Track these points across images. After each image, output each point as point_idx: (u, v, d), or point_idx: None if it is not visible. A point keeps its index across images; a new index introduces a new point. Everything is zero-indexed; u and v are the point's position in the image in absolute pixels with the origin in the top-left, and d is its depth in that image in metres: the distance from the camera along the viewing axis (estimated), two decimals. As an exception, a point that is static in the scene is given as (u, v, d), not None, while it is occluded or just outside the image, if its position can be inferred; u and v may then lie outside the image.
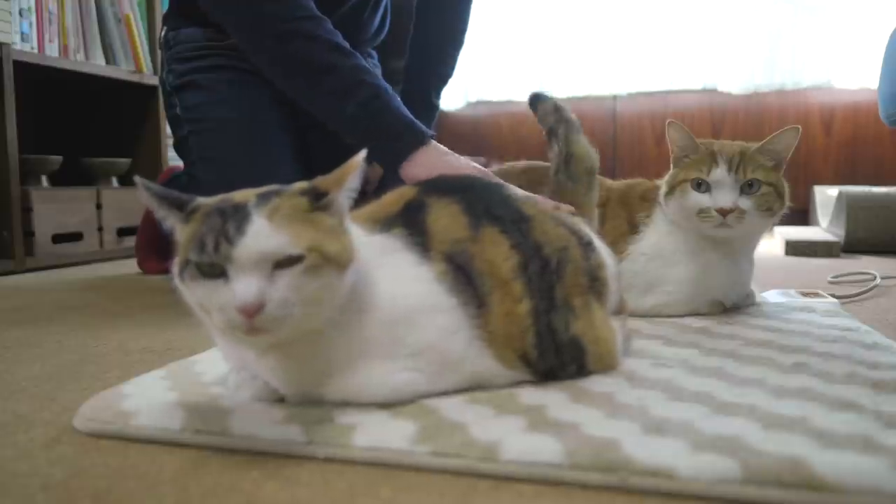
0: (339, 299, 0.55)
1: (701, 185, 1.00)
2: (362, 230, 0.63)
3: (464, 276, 0.62)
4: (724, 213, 0.97)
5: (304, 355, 0.57)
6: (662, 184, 1.06)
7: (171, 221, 0.56)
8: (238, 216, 0.52)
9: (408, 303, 0.59)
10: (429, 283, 0.61)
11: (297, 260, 0.51)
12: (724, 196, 0.98)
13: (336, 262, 0.53)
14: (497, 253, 0.64)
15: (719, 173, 0.98)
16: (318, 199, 0.55)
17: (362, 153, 0.57)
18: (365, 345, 0.58)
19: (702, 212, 0.99)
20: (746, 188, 0.98)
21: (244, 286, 0.50)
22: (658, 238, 1.05)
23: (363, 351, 0.58)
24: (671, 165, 1.06)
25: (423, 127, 1.01)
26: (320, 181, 0.56)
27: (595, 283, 0.71)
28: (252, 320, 0.50)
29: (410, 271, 0.61)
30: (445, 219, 0.65)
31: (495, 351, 0.62)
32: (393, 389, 0.58)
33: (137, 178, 0.56)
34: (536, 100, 0.95)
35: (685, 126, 1.03)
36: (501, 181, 0.84)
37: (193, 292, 0.53)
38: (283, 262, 0.51)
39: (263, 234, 0.51)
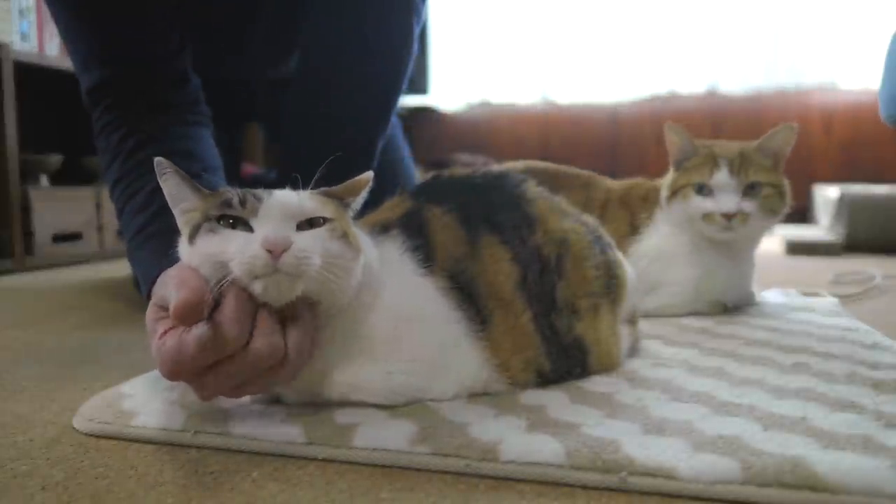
0: (352, 284, 0.56)
1: (703, 189, 0.99)
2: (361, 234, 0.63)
3: (464, 287, 0.62)
4: (728, 217, 0.97)
5: None
6: (663, 187, 1.06)
7: (188, 204, 0.57)
8: (265, 190, 0.56)
9: (404, 307, 0.59)
10: (425, 287, 0.61)
11: (321, 223, 0.55)
12: (728, 200, 0.97)
13: (353, 242, 0.56)
14: (496, 266, 0.64)
15: (721, 177, 0.98)
16: (333, 196, 0.59)
17: (369, 173, 0.61)
18: (362, 343, 0.58)
19: (706, 216, 0.99)
20: (749, 191, 0.98)
21: (272, 227, 0.52)
22: (660, 239, 1.05)
23: (360, 349, 0.58)
24: (671, 168, 1.06)
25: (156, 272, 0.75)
26: (334, 189, 0.60)
27: (608, 281, 0.70)
28: (276, 261, 0.50)
29: (408, 275, 0.61)
30: (444, 229, 0.65)
31: (499, 361, 0.61)
32: (390, 390, 0.58)
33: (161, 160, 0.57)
34: None
35: (683, 128, 1.03)
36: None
37: (207, 246, 0.52)
38: (306, 225, 0.54)
39: (292, 196, 0.55)
